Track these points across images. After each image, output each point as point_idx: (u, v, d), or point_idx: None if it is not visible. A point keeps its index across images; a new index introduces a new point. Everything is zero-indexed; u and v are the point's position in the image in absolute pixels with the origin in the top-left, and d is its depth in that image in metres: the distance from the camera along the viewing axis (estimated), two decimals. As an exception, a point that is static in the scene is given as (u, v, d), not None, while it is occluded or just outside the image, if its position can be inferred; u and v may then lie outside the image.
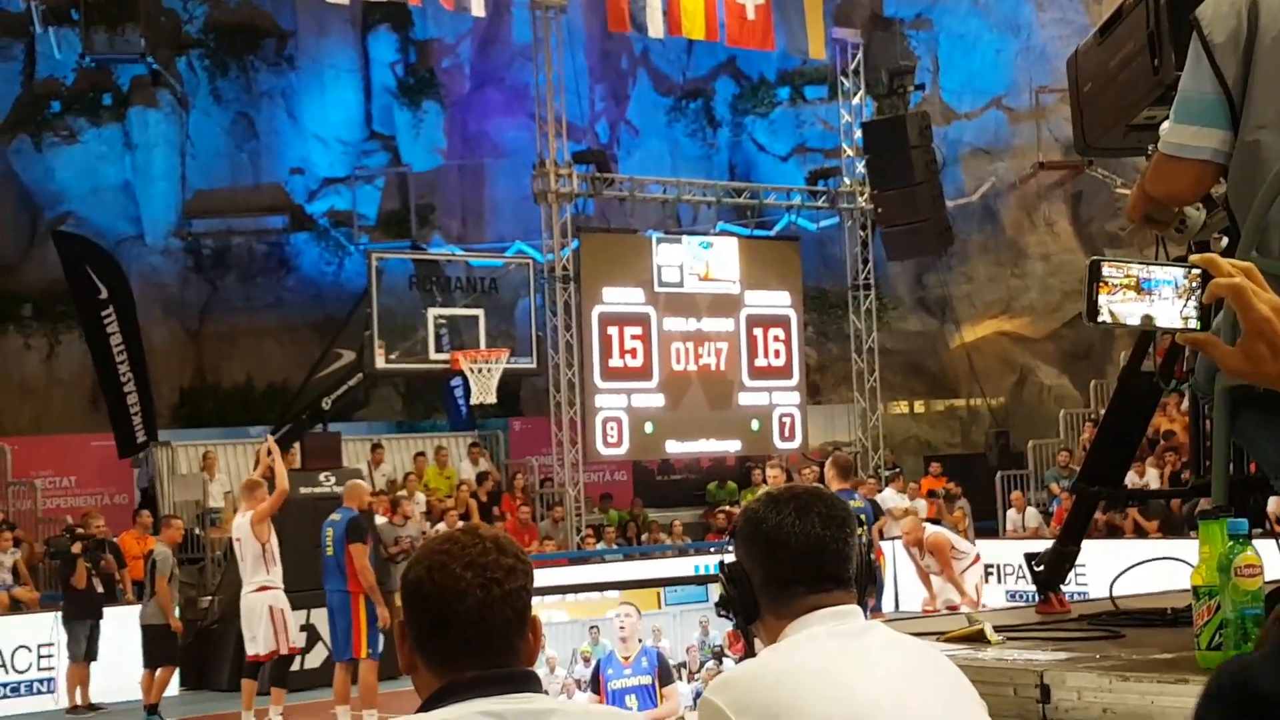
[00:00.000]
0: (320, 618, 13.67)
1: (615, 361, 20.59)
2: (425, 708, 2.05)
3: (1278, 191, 2.72)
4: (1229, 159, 2.90)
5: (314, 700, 13.32)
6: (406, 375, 22.16)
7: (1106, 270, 2.10)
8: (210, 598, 16.47)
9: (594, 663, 7.83)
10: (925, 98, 26.17)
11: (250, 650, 12.32)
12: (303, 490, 14.66)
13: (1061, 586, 4.11)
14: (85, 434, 21.42)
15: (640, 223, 22.74)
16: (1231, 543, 2.56)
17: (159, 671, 13.70)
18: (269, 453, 13.17)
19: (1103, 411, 6.24)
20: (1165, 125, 2.99)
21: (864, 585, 2.41)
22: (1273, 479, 3.01)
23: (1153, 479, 17.45)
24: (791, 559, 2.34)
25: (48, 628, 14.90)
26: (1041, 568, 4.12)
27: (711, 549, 19.10)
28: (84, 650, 14.49)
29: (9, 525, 16.74)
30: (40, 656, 15.01)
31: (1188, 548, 2.92)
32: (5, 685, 14.82)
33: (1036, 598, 4.11)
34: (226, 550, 15.28)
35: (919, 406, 28.20)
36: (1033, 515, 19.88)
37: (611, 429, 20.57)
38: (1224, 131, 2.89)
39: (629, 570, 16.44)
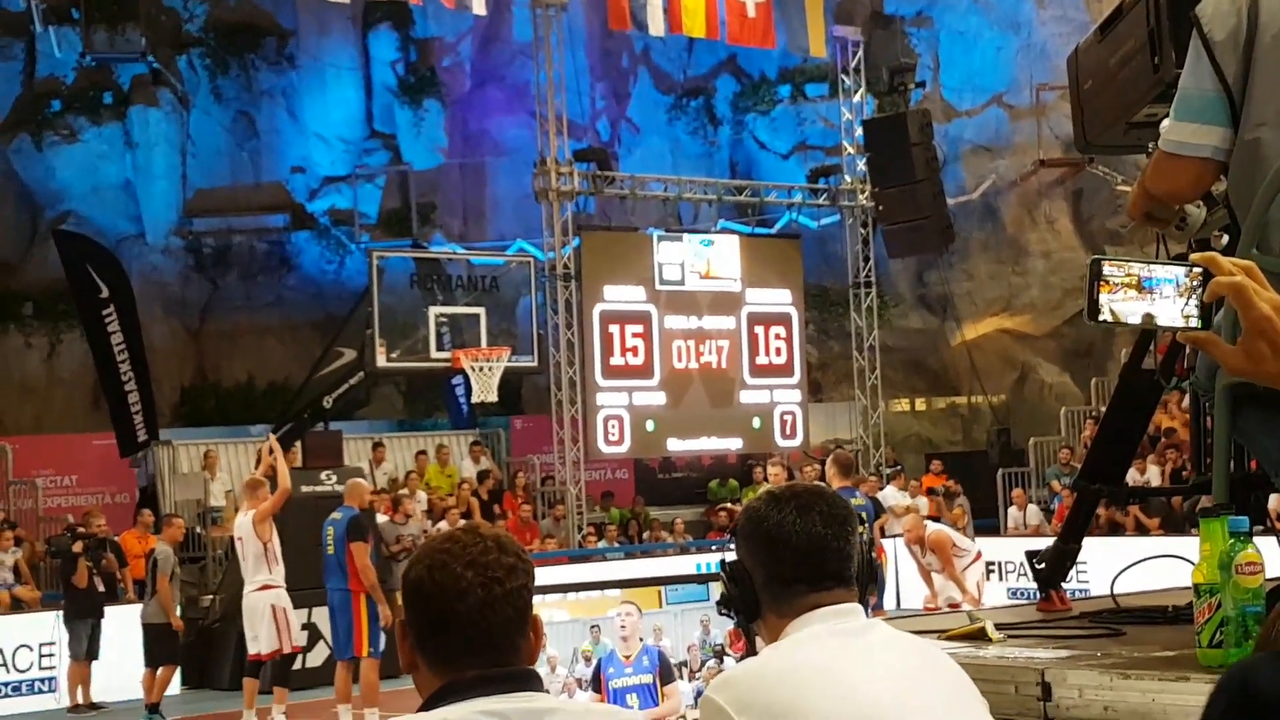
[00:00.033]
0: (321, 616, 13.68)
1: (616, 359, 20.58)
2: (426, 707, 2.05)
3: (1278, 189, 2.72)
4: (1229, 156, 2.90)
5: (315, 699, 13.31)
6: (408, 374, 22.15)
7: (1107, 269, 2.10)
8: (211, 597, 16.47)
9: (595, 661, 7.83)
10: (926, 95, 26.17)
11: (252, 649, 12.32)
12: (304, 489, 14.64)
13: (1063, 584, 4.11)
14: (86, 433, 21.43)
15: (641, 221, 22.69)
16: (1232, 540, 2.56)
17: (160, 670, 13.68)
18: (271, 451, 13.16)
19: (1104, 409, 6.24)
20: (1165, 123, 2.99)
21: (865, 583, 2.41)
22: (1273, 476, 3.00)
23: (1154, 476, 17.44)
24: (793, 557, 2.34)
25: (49, 627, 14.89)
26: (1043, 565, 4.12)
27: (713, 547, 19.09)
28: (85, 649, 14.48)
29: (10, 524, 16.75)
30: (41, 655, 15.00)
31: (1189, 545, 2.92)
32: (6, 684, 14.81)
33: (1038, 595, 4.11)
34: (228, 549, 15.26)
35: (920, 404, 28.19)
36: (1034, 513, 19.87)
37: (613, 427, 20.56)
38: (1224, 129, 2.89)
39: (630, 569, 16.45)
